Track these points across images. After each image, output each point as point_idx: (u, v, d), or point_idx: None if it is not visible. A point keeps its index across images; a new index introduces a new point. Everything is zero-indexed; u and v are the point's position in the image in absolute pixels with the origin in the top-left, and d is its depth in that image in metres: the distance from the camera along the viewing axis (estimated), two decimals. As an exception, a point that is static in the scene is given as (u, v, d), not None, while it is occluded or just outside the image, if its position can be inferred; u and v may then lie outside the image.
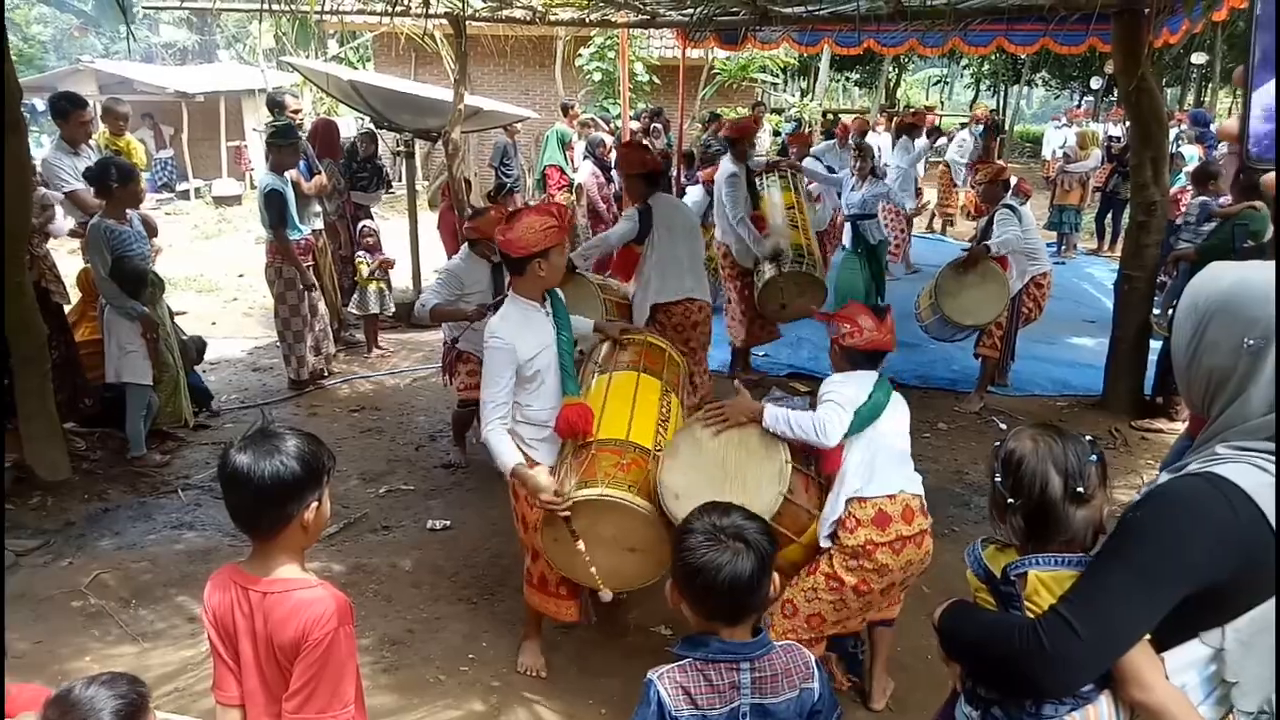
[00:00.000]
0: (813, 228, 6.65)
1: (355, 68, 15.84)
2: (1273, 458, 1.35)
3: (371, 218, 7.83)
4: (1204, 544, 1.35)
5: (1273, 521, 1.31)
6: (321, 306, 6.52)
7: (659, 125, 12.04)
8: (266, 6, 5.08)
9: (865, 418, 2.86)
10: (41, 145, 9.00)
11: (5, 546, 4.11)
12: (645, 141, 11.10)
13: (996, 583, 1.59)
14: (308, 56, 16.64)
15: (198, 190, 16.57)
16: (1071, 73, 28.53)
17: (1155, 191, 5.79)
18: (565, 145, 10.81)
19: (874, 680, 3.19)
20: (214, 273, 10.33)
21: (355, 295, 7.24)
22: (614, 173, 9.82)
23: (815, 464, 2.95)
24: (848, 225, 7.74)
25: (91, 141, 5.98)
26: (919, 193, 11.28)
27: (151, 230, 5.39)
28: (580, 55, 15.45)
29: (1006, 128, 25.82)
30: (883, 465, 2.88)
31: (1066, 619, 1.41)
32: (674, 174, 9.31)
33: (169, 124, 17.05)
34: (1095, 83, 21.02)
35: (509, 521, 4.46)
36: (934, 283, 5.95)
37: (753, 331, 6.46)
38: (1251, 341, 1.36)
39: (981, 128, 13.31)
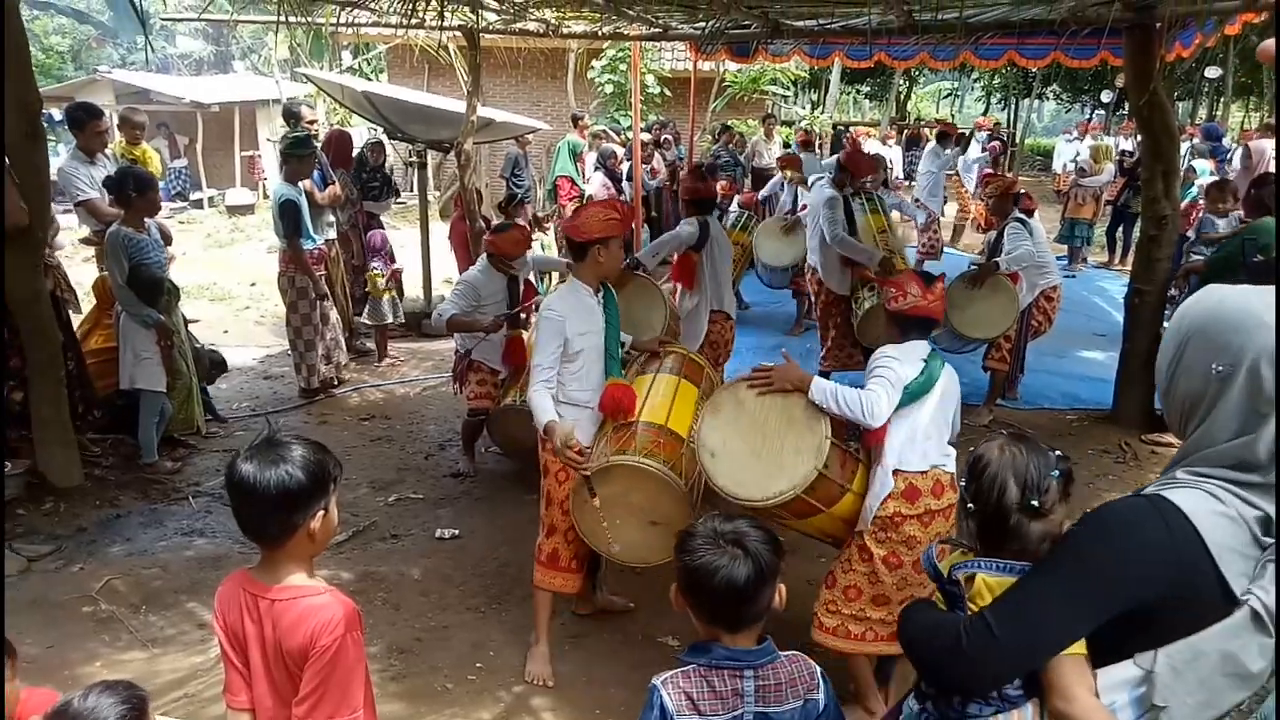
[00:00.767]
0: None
1: (369, 79, 15.97)
2: (1229, 485, 1.34)
3: (382, 227, 7.87)
4: (1132, 562, 1.35)
5: (1210, 547, 1.30)
6: (333, 315, 6.56)
7: (669, 137, 12.10)
8: (283, 19, 5.13)
9: (914, 394, 2.86)
10: (58, 154, 9.09)
11: (17, 551, 4.15)
12: (658, 155, 11.18)
13: (943, 582, 1.63)
14: (322, 68, 16.78)
15: (211, 199, 16.70)
16: (1083, 86, 28.53)
17: (1166, 205, 5.77)
18: (576, 156, 10.86)
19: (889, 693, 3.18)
20: (226, 281, 10.40)
21: (369, 306, 7.27)
22: (625, 184, 9.88)
23: (858, 438, 2.95)
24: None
25: (108, 150, 6.04)
26: (945, 200, 11.48)
27: (166, 239, 5.44)
28: (592, 67, 15.53)
29: (1017, 141, 25.80)
30: (921, 440, 2.90)
31: (988, 621, 1.45)
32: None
33: (184, 134, 17.21)
34: (1106, 96, 21.02)
35: (517, 530, 4.51)
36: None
37: (839, 359, 6.45)
38: (1219, 368, 1.34)
39: (985, 134, 13.41)
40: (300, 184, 6.26)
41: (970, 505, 1.65)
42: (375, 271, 7.26)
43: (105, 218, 5.36)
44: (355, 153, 8.11)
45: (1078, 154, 13.83)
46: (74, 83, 18.22)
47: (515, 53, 12.41)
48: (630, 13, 6.19)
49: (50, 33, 28.19)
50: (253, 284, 10.25)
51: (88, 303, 5.71)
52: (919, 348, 2.96)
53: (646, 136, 11.40)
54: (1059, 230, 11.99)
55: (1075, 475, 1.68)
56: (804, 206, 8.45)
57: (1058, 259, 7.62)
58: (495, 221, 7.82)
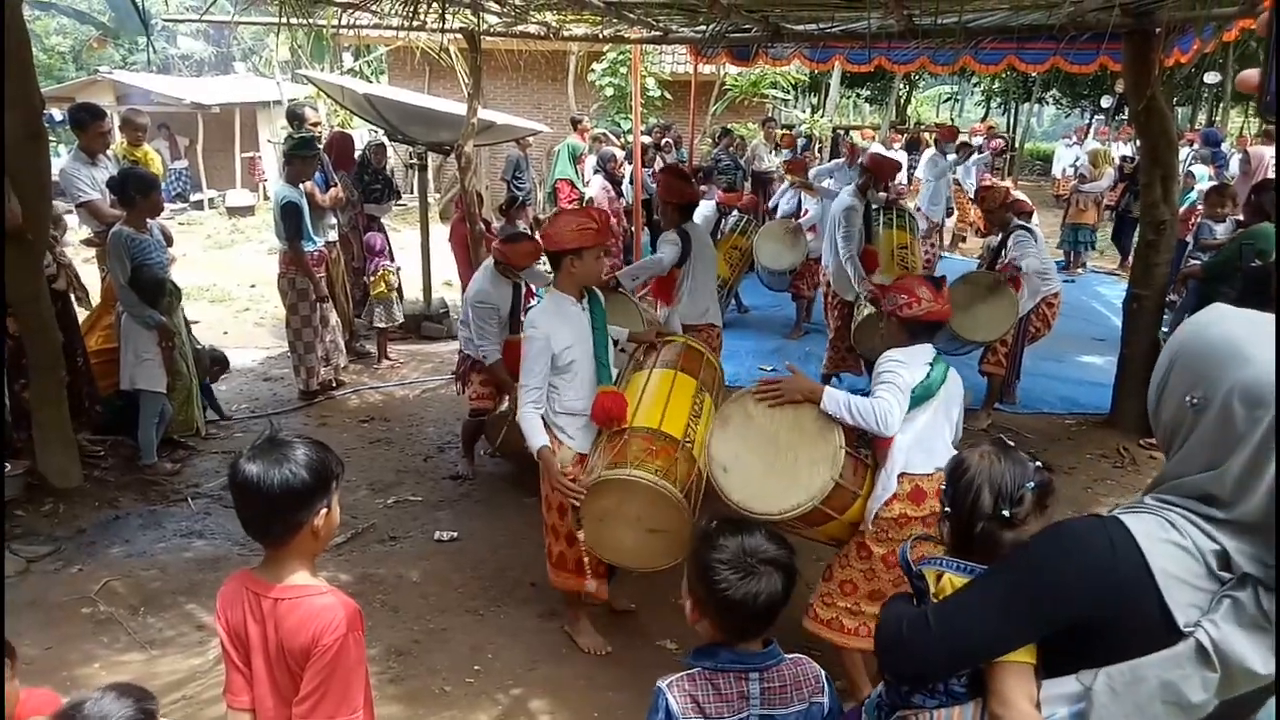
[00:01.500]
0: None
1: (370, 81, 15.98)
2: (1192, 516, 1.33)
3: (383, 229, 7.89)
4: (1067, 576, 1.36)
5: (1155, 574, 1.30)
6: (333, 318, 6.57)
7: (670, 140, 12.10)
8: (284, 20, 5.13)
9: (920, 398, 2.87)
10: (59, 155, 9.09)
11: (16, 552, 4.15)
12: (659, 158, 11.19)
13: (911, 577, 1.67)
14: (323, 69, 16.80)
15: (211, 201, 16.71)
16: (1082, 91, 28.55)
17: (1165, 211, 5.78)
18: (576, 159, 10.87)
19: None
20: (226, 283, 10.40)
21: (379, 308, 7.28)
22: (625, 187, 9.89)
23: (869, 446, 2.95)
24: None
25: (109, 151, 6.04)
26: (950, 211, 11.44)
27: (168, 240, 5.45)
28: (593, 70, 15.55)
29: (1017, 145, 25.83)
30: (927, 442, 2.92)
31: (928, 615, 1.51)
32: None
33: (184, 135, 17.21)
34: (1106, 101, 21.04)
35: (516, 533, 4.52)
36: None
37: (836, 360, 6.47)
38: (1194, 399, 1.32)
39: (981, 139, 13.44)
40: (301, 186, 6.26)
41: (947, 509, 1.69)
42: (387, 269, 7.28)
43: (107, 219, 5.37)
44: (357, 155, 8.12)
45: (1077, 159, 13.86)
46: (75, 83, 18.23)
47: (516, 55, 12.44)
48: (631, 16, 6.21)
49: (51, 33, 28.22)
50: (252, 285, 10.25)
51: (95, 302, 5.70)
52: (924, 351, 2.97)
53: (647, 139, 11.41)
54: (1060, 236, 12.02)
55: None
56: (805, 211, 8.47)
57: (1055, 264, 7.63)
58: (495, 224, 7.85)
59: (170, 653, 3.51)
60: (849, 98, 31.98)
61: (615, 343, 3.63)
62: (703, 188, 8.97)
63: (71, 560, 4.19)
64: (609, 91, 15.71)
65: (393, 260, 7.49)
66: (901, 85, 28.18)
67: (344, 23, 6.28)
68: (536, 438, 3.18)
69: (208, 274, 10.75)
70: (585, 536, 3.12)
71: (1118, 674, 1.32)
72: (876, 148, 14.49)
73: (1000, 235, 6.09)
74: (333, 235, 6.88)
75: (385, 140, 8.93)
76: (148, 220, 5.01)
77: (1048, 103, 34.17)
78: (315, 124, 7.54)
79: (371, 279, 7.30)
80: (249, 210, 15.90)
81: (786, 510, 2.80)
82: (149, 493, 4.92)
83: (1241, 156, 10.65)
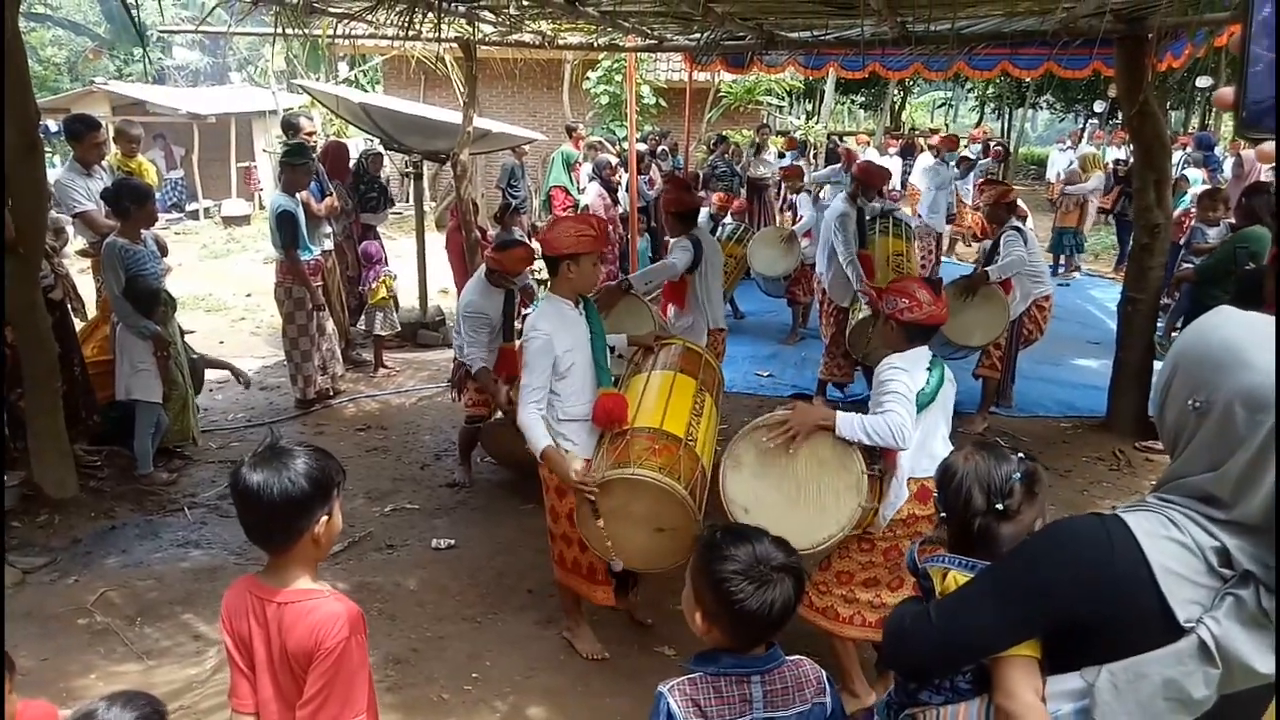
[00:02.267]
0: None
1: (366, 90, 16.01)
2: (1193, 515, 1.34)
3: (378, 237, 7.90)
4: (1064, 573, 1.38)
5: (1154, 570, 1.31)
6: (329, 326, 6.57)
7: (665, 148, 12.13)
8: (280, 31, 5.15)
9: (922, 405, 2.88)
10: (55, 166, 9.10)
11: (12, 564, 4.14)
12: (654, 165, 11.22)
13: (918, 576, 1.70)
14: (319, 79, 16.83)
15: (207, 210, 16.71)
16: (1076, 95, 28.68)
17: (1159, 214, 5.81)
18: (570, 166, 10.90)
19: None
20: (222, 292, 10.40)
21: (379, 315, 7.29)
22: (620, 194, 9.91)
23: (879, 459, 2.95)
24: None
25: (104, 163, 6.05)
26: (951, 218, 11.42)
27: (162, 250, 5.45)
28: (588, 78, 15.59)
29: (1012, 150, 25.92)
30: (929, 444, 2.95)
31: (930, 612, 1.54)
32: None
33: (180, 144, 17.22)
34: (1099, 106, 21.13)
35: (513, 540, 4.52)
36: None
37: (832, 367, 6.47)
38: (1196, 403, 1.33)
39: (979, 145, 13.48)
40: (297, 195, 6.27)
41: (943, 514, 1.74)
42: (387, 275, 7.29)
43: (102, 229, 5.37)
44: (352, 163, 8.14)
45: (1071, 163, 13.91)
46: (70, 94, 18.23)
47: (511, 64, 12.46)
48: (625, 25, 6.23)
49: (47, 44, 28.20)
50: (248, 295, 10.25)
51: (92, 314, 5.71)
52: (923, 354, 2.98)
53: (643, 147, 11.43)
54: (1049, 239, 12.07)
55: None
56: (800, 217, 8.50)
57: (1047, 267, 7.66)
58: (491, 231, 7.86)
59: (167, 663, 3.51)
60: (843, 104, 32.11)
61: (613, 349, 3.64)
62: (701, 194, 9.01)
63: (68, 571, 4.18)
64: (604, 99, 15.75)
65: (375, 265, 7.49)
66: (896, 91, 28.27)
67: (339, 33, 6.31)
68: (539, 439, 3.17)
69: (204, 283, 10.75)
70: (605, 525, 3.07)
71: (1120, 671, 1.33)
72: (871, 153, 14.56)
73: (995, 237, 6.12)
74: (328, 244, 6.89)
75: (381, 149, 8.95)
76: (142, 231, 5.01)
77: (1042, 108, 34.31)
78: (310, 133, 7.55)
79: (372, 286, 7.30)
80: (245, 220, 15.90)
81: (819, 544, 2.80)
82: (145, 503, 4.91)
83: (1234, 160, 10.70)
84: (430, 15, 4.87)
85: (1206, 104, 25.33)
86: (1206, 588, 1.30)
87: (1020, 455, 1.72)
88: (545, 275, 5.87)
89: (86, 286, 5.93)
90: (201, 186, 16.97)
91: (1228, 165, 11.57)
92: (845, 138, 20.43)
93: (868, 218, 6.36)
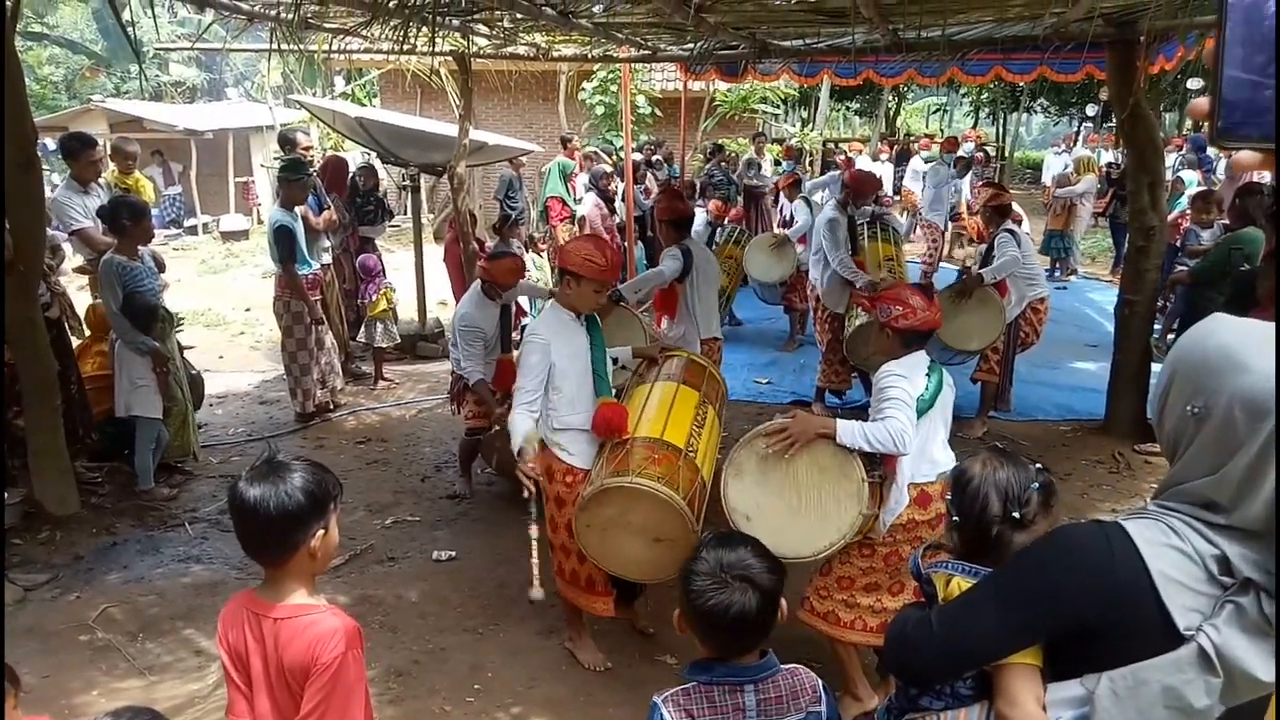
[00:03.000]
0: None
1: (362, 104, 16.06)
2: (1193, 522, 1.34)
3: (376, 250, 7.92)
4: (1065, 580, 1.38)
5: (1154, 577, 1.31)
6: (328, 340, 6.59)
7: (661, 157, 12.17)
8: (276, 47, 5.18)
9: (921, 410, 2.90)
10: (52, 184, 9.11)
11: (14, 581, 4.14)
12: (650, 175, 11.26)
13: (921, 582, 1.70)
14: (315, 94, 16.87)
15: (205, 226, 16.75)
16: (1070, 99, 28.73)
17: (1153, 216, 5.83)
18: (567, 177, 10.93)
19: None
20: (221, 307, 10.42)
21: (380, 327, 7.30)
22: (617, 204, 9.94)
23: (879, 465, 2.96)
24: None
25: (101, 180, 6.07)
26: (956, 216, 11.58)
27: (160, 266, 5.46)
28: (583, 89, 15.66)
29: (1007, 155, 25.99)
30: (929, 449, 2.96)
31: (931, 619, 1.54)
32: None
33: (178, 161, 17.27)
34: (1091, 110, 21.19)
35: (514, 551, 4.52)
36: None
37: (830, 374, 6.48)
38: (1195, 409, 1.34)
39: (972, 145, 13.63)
40: (295, 210, 6.29)
41: (955, 519, 1.72)
42: (389, 287, 7.32)
43: (99, 247, 5.39)
44: (349, 178, 8.16)
45: (1066, 166, 13.97)
46: (68, 112, 18.28)
47: (507, 76, 12.50)
48: (619, 36, 6.27)
49: (44, 63, 28.28)
50: (247, 309, 10.27)
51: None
52: (920, 359, 2.99)
53: (639, 156, 11.47)
54: (1041, 242, 12.12)
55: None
56: (795, 221, 8.53)
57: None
58: (489, 243, 7.88)
59: (169, 678, 3.51)
60: (838, 110, 32.17)
61: (615, 360, 3.65)
62: (697, 202, 9.05)
63: (69, 587, 4.18)
64: (600, 110, 15.81)
65: (374, 278, 7.51)
66: (890, 97, 28.35)
67: (335, 48, 6.34)
68: (518, 438, 3.19)
69: (203, 299, 10.77)
70: (579, 539, 3.11)
71: (1120, 678, 1.32)
72: (864, 160, 14.64)
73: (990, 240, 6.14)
74: (327, 258, 6.91)
75: (376, 162, 8.98)
76: (140, 247, 5.03)
77: (1036, 111, 34.38)
78: (308, 148, 7.58)
79: (373, 299, 7.31)
80: (243, 234, 15.93)
81: (820, 551, 2.82)
82: (146, 518, 4.92)
83: (1227, 162, 10.72)
84: (425, 29, 4.89)
85: (1200, 106, 25.32)
86: (1207, 595, 1.30)
87: (1038, 466, 1.73)
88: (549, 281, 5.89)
89: (85, 304, 5.94)
90: (199, 202, 17.02)
91: (1221, 166, 11.61)
92: (840, 144, 20.50)
93: (858, 223, 6.38)
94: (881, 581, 3.05)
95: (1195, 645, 1.28)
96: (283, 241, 6.07)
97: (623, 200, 9.80)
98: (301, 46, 5.77)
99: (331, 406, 6.69)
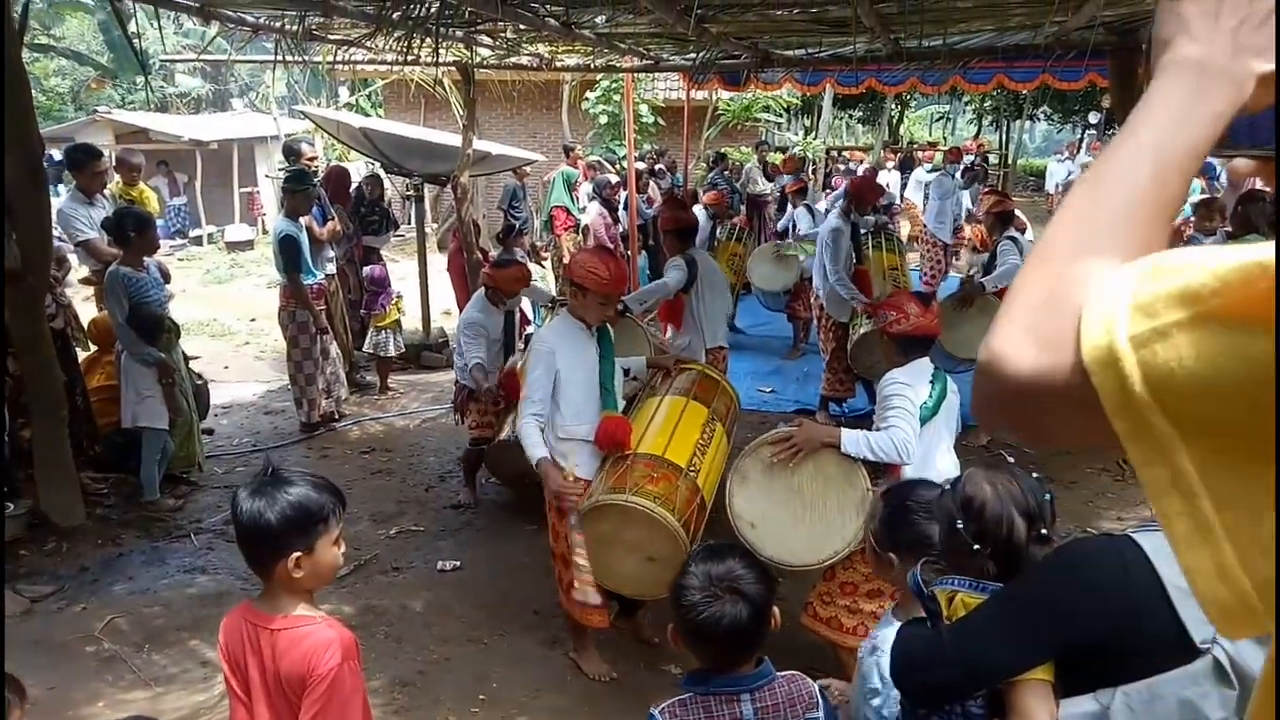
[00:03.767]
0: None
1: (367, 114, 16.12)
2: None
3: (381, 260, 7.94)
4: (1080, 595, 1.37)
5: (1169, 590, 1.29)
6: (333, 350, 6.60)
7: (663, 166, 12.19)
8: (280, 57, 5.21)
9: (925, 418, 2.90)
10: (58, 195, 9.17)
11: (20, 592, 4.15)
12: (653, 184, 11.28)
13: (924, 600, 1.66)
14: (320, 104, 16.95)
15: (210, 236, 16.80)
16: (1073, 107, 28.72)
17: (1156, 223, 5.82)
18: (571, 186, 10.96)
19: None
20: (226, 317, 10.45)
21: (381, 337, 7.31)
22: (621, 213, 9.97)
23: (883, 474, 2.97)
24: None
25: (106, 191, 6.10)
26: (959, 229, 11.48)
27: (165, 277, 5.49)
28: (586, 99, 15.69)
29: (1010, 162, 25.98)
30: (933, 456, 2.96)
31: (943, 637, 1.51)
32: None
33: (183, 171, 17.35)
34: (1094, 117, 21.19)
35: (519, 561, 4.52)
36: None
37: (834, 383, 6.47)
38: None
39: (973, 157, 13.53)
40: (300, 220, 6.32)
41: (977, 547, 1.63)
42: (399, 299, 7.35)
43: (104, 258, 5.41)
44: (353, 188, 8.20)
45: (1069, 174, 13.96)
46: (74, 123, 18.38)
47: (510, 86, 12.56)
48: (622, 46, 6.30)
49: (50, 74, 28.45)
50: (252, 319, 10.29)
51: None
52: (924, 367, 3.00)
53: (642, 165, 11.50)
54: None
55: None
56: (781, 234, 8.55)
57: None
58: (493, 252, 7.91)
59: (175, 689, 3.51)
60: (841, 119, 32.19)
61: (627, 372, 3.64)
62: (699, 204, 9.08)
63: (75, 599, 4.19)
64: (603, 119, 15.84)
65: (382, 290, 7.54)
66: (893, 105, 28.39)
67: (339, 59, 6.37)
68: (536, 449, 3.18)
69: (208, 309, 10.80)
70: (594, 548, 3.10)
71: (1135, 693, 1.32)
72: (864, 170, 14.61)
73: (992, 248, 6.14)
74: (331, 268, 6.93)
75: (380, 173, 9.01)
76: (145, 258, 5.05)
77: (1039, 119, 34.38)
78: (312, 159, 7.62)
79: (386, 309, 7.32)
80: (248, 245, 15.98)
81: (825, 559, 2.83)
82: (152, 529, 4.93)
83: (1227, 168, 10.69)
84: (428, 40, 4.93)
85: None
86: None
87: (1036, 475, 1.70)
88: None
89: (90, 315, 5.96)
90: (204, 212, 17.08)
91: (1224, 174, 11.59)
92: (843, 152, 20.50)
93: (862, 232, 6.38)
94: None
95: (1210, 658, 1.27)
96: (287, 252, 6.09)
97: (626, 209, 9.82)
98: (306, 58, 5.80)
99: (336, 416, 6.70)
